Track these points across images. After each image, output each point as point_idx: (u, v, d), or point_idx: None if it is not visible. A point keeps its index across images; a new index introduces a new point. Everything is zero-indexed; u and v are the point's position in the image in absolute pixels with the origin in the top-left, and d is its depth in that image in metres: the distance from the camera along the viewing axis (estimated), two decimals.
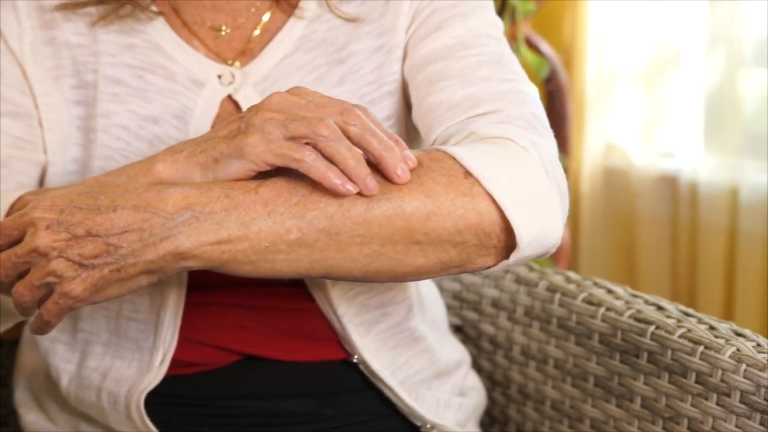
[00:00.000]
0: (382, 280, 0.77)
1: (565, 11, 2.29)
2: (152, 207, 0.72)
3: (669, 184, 2.12)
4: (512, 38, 1.94)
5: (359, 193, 0.72)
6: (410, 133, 0.95)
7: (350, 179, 0.71)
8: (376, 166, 0.73)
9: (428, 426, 0.97)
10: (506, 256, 0.77)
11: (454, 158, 0.75)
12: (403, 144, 0.75)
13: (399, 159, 0.73)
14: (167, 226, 0.71)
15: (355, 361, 0.95)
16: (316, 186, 0.72)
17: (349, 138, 0.72)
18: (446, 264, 0.76)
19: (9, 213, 0.85)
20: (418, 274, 0.77)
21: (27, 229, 0.73)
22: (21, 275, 0.74)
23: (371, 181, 0.72)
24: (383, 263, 0.74)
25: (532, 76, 1.91)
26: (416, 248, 0.74)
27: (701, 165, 2.05)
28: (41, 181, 0.94)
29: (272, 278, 0.75)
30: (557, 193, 0.78)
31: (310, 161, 0.70)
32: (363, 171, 0.71)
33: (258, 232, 0.71)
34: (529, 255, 0.76)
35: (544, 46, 2.06)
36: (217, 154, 0.74)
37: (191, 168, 0.75)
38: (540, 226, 0.75)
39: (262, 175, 0.75)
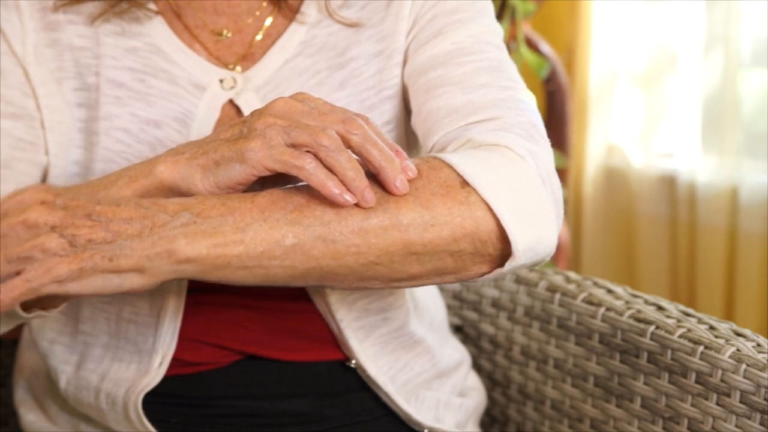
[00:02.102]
0: (376, 286, 0.77)
1: (565, 11, 2.29)
2: (153, 207, 0.72)
3: (668, 184, 2.12)
4: (512, 38, 1.94)
5: (356, 205, 0.72)
6: (409, 138, 0.96)
7: (349, 190, 0.71)
8: (375, 177, 0.74)
9: (426, 431, 0.97)
10: (501, 264, 0.77)
11: (451, 167, 0.76)
12: (404, 154, 0.75)
13: (398, 170, 0.73)
14: (168, 226, 0.71)
15: (352, 365, 0.95)
16: (313, 196, 0.73)
17: (350, 147, 0.72)
18: (441, 271, 0.76)
19: None
20: (413, 280, 0.77)
21: (11, 207, 0.70)
22: None
23: (369, 194, 0.72)
24: (378, 271, 0.74)
25: (532, 76, 1.91)
26: (412, 258, 0.74)
27: (700, 165, 2.05)
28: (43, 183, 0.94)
29: (267, 284, 0.75)
30: (552, 202, 0.78)
31: (310, 169, 0.70)
32: (362, 183, 0.71)
33: (253, 237, 0.71)
34: (524, 263, 0.77)
35: (544, 46, 2.06)
36: (218, 157, 0.74)
37: (192, 170, 0.75)
38: (535, 235, 0.76)
39: (262, 181, 0.75)
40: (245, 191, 0.75)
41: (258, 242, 0.71)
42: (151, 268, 0.71)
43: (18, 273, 0.70)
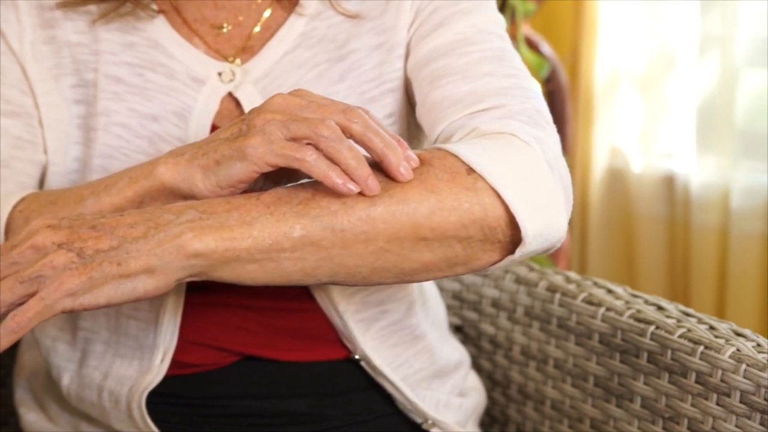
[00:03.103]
0: (389, 279, 0.76)
1: (567, 12, 2.29)
2: (158, 211, 0.72)
3: (671, 185, 2.13)
4: (512, 38, 1.94)
5: (361, 193, 0.72)
6: (412, 131, 0.96)
7: (352, 179, 0.71)
8: (378, 165, 0.73)
9: (429, 422, 0.97)
10: (511, 251, 0.77)
11: (456, 156, 0.75)
12: (405, 144, 0.75)
13: (401, 157, 0.73)
14: (173, 223, 0.71)
15: (356, 358, 0.95)
16: (318, 190, 0.72)
17: (351, 136, 0.72)
18: (452, 260, 0.76)
19: (11, 214, 0.85)
20: (425, 272, 0.76)
21: (21, 238, 0.72)
22: None
23: (373, 181, 0.72)
24: (389, 260, 0.74)
25: (533, 76, 1.91)
26: (422, 244, 0.74)
27: (700, 166, 2.06)
28: (41, 181, 0.94)
29: (279, 283, 0.74)
30: (561, 187, 0.78)
31: (311, 160, 0.70)
32: (364, 171, 0.71)
33: (261, 230, 0.71)
34: (534, 250, 0.76)
35: (544, 46, 2.06)
36: (218, 156, 0.74)
37: (193, 171, 0.75)
38: (544, 220, 0.75)
39: (264, 179, 0.75)
40: (246, 191, 0.75)
41: (266, 235, 0.71)
42: (161, 266, 0.70)
43: (33, 294, 0.70)
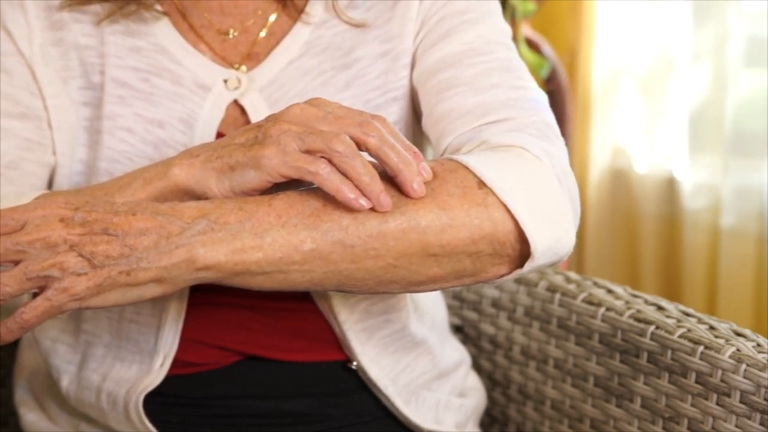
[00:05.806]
0: (396, 289, 0.77)
1: (566, 12, 2.29)
2: (170, 214, 0.72)
3: (670, 185, 2.13)
4: (512, 38, 1.94)
5: (372, 209, 0.72)
6: (417, 139, 0.96)
7: (364, 195, 0.71)
8: (392, 179, 0.73)
9: None
10: (520, 265, 0.77)
11: (467, 168, 0.75)
12: (421, 156, 0.75)
13: (416, 173, 0.73)
14: (184, 234, 0.71)
15: (353, 367, 0.95)
16: (330, 200, 0.72)
17: (367, 150, 0.72)
18: (460, 273, 0.76)
19: None
20: (433, 283, 0.77)
21: (31, 221, 0.71)
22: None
23: (385, 198, 0.72)
24: (397, 274, 0.74)
25: (532, 76, 1.91)
26: (431, 260, 0.74)
27: (702, 166, 2.06)
28: (50, 184, 0.94)
29: (285, 290, 0.75)
30: (569, 201, 0.78)
31: (324, 174, 0.70)
32: (377, 187, 0.71)
33: (272, 243, 0.71)
34: (543, 264, 0.77)
35: (545, 46, 2.06)
36: (233, 162, 0.74)
37: (207, 173, 0.75)
38: (553, 235, 0.76)
39: (277, 187, 0.75)
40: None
41: (276, 248, 0.71)
42: (170, 278, 0.71)
43: (39, 289, 0.70)
